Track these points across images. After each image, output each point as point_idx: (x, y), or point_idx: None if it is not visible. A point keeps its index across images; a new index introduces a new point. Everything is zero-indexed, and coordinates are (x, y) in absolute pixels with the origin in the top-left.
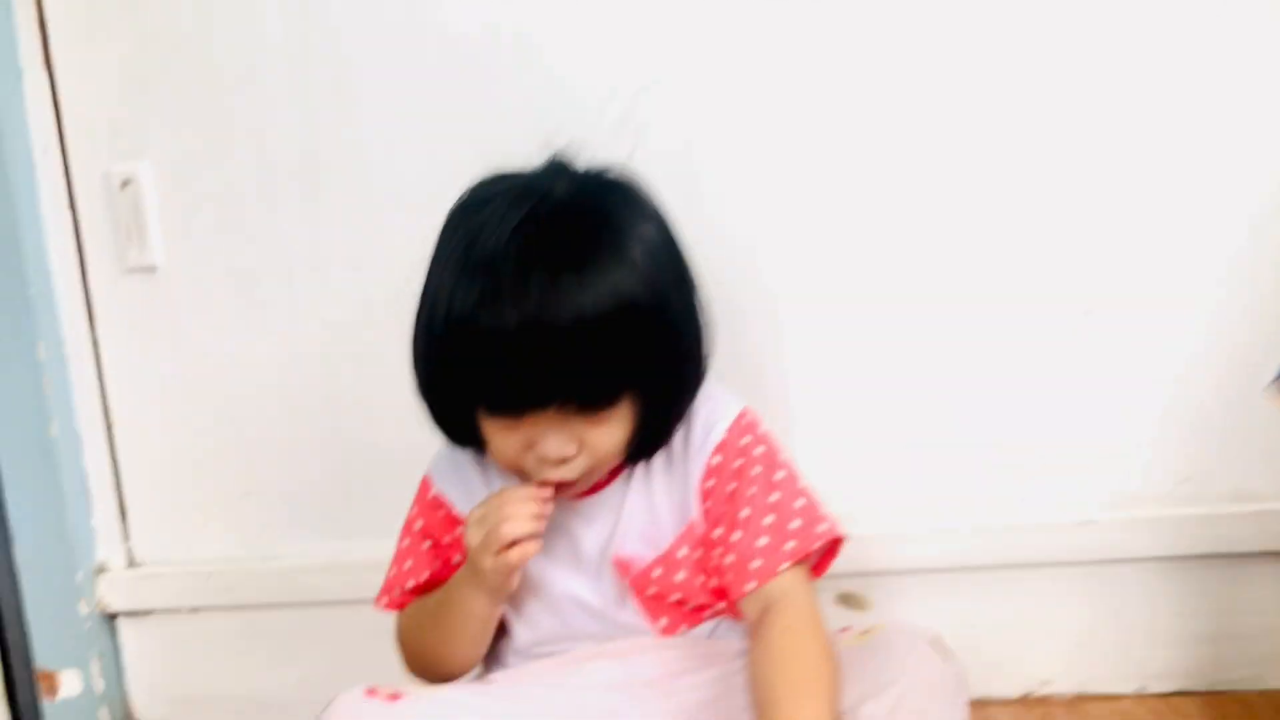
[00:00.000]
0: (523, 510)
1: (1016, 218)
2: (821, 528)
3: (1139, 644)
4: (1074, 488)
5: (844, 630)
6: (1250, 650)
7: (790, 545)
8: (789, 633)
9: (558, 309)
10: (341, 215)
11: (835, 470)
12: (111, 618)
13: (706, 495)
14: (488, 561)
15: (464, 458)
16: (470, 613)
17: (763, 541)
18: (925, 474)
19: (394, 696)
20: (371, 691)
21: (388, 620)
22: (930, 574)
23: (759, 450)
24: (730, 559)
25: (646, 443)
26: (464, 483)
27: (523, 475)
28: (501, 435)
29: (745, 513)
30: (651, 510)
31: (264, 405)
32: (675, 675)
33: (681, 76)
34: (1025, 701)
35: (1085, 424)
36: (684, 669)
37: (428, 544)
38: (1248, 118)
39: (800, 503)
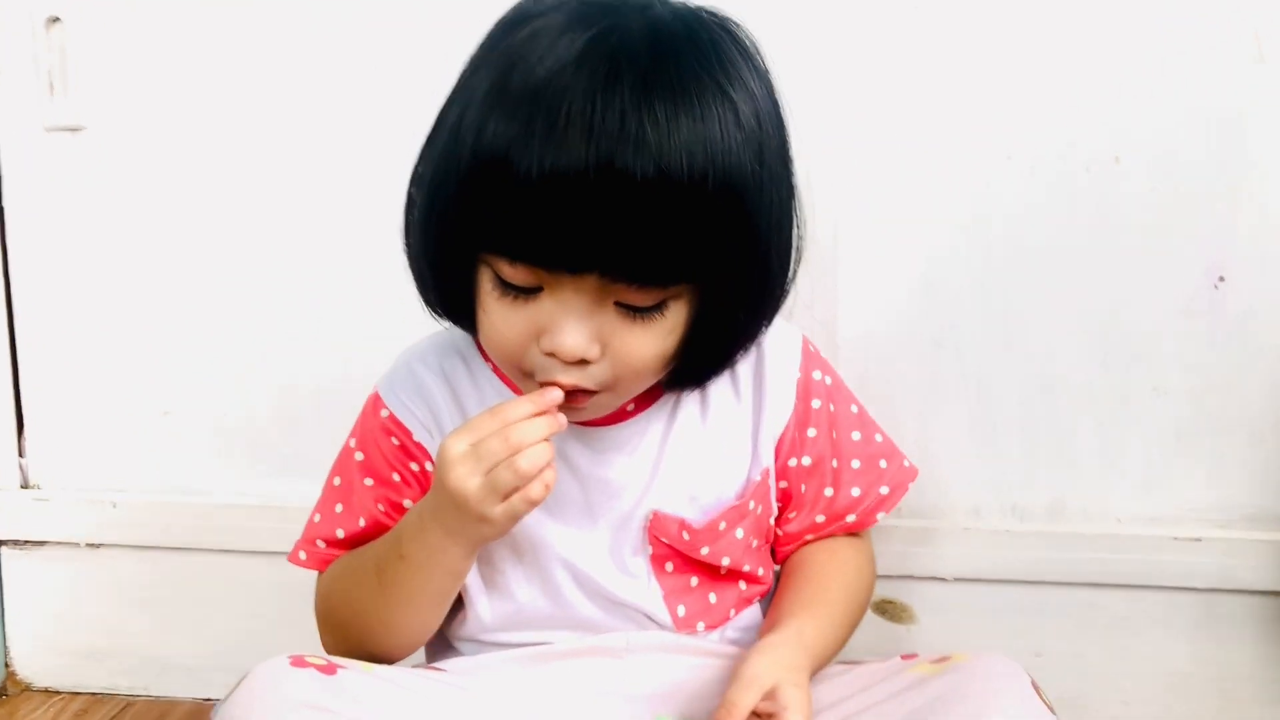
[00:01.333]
0: (535, 431)
1: (1120, 163)
2: (906, 464)
3: (1245, 695)
4: (1180, 497)
5: (908, 657)
6: None
7: (884, 490)
8: (846, 568)
9: (638, 151)
10: (310, 82)
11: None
12: None
13: (786, 444)
14: (495, 508)
15: (425, 370)
16: (438, 567)
17: (855, 491)
18: (997, 466)
19: (327, 668)
20: (299, 661)
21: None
22: (991, 585)
23: (829, 382)
24: (819, 518)
25: (700, 364)
26: (427, 403)
27: (519, 376)
28: (508, 311)
29: (833, 463)
30: (706, 455)
31: (196, 308)
32: (688, 693)
33: None
34: None
35: (1198, 420)
36: (701, 688)
37: (369, 482)
38: None
39: (879, 438)
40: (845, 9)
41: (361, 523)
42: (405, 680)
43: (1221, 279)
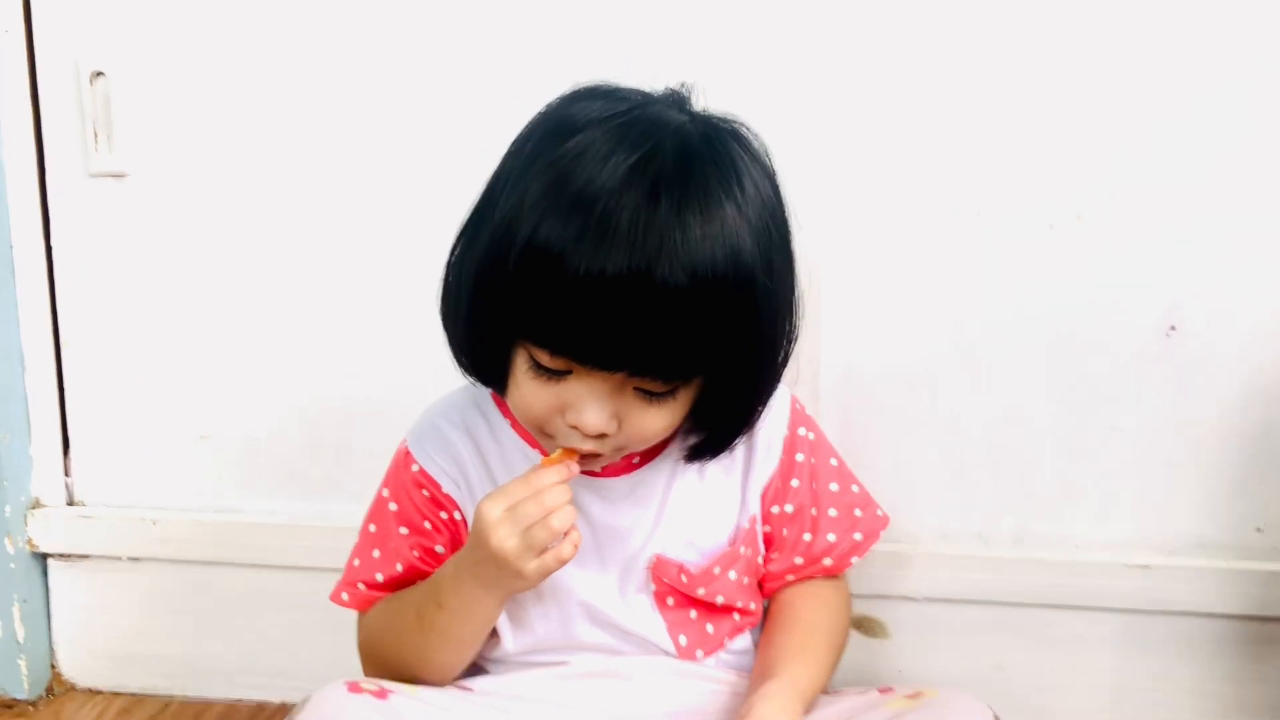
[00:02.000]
0: (563, 495)
1: (1082, 221)
2: (879, 512)
3: (1185, 710)
4: (1130, 526)
5: (885, 691)
6: None
7: (857, 537)
8: (830, 611)
9: (672, 263)
10: (340, 126)
11: (868, 477)
12: (42, 559)
13: (770, 493)
14: (531, 564)
15: (450, 427)
16: (474, 616)
17: (831, 537)
18: (968, 496)
19: (379, 694)
20: (354, 687)
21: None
22: (958, 605)
23: (812, 437)
24: (798, 560)
25: (715, 439)
26: (453, 458)
27: (539, 435)
28: (538, 387)
29: (812, 511)
30: (702, 504)
31: (233, 339)
32: (690, 715)
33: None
34: None
35: (1152, 454)
36: (701, 710)
37: (404, 530)
38: None
39: (855, 488)
40: (821, 74)
41: (399, 568)
42: (448, 703)
43: (1173, 328)
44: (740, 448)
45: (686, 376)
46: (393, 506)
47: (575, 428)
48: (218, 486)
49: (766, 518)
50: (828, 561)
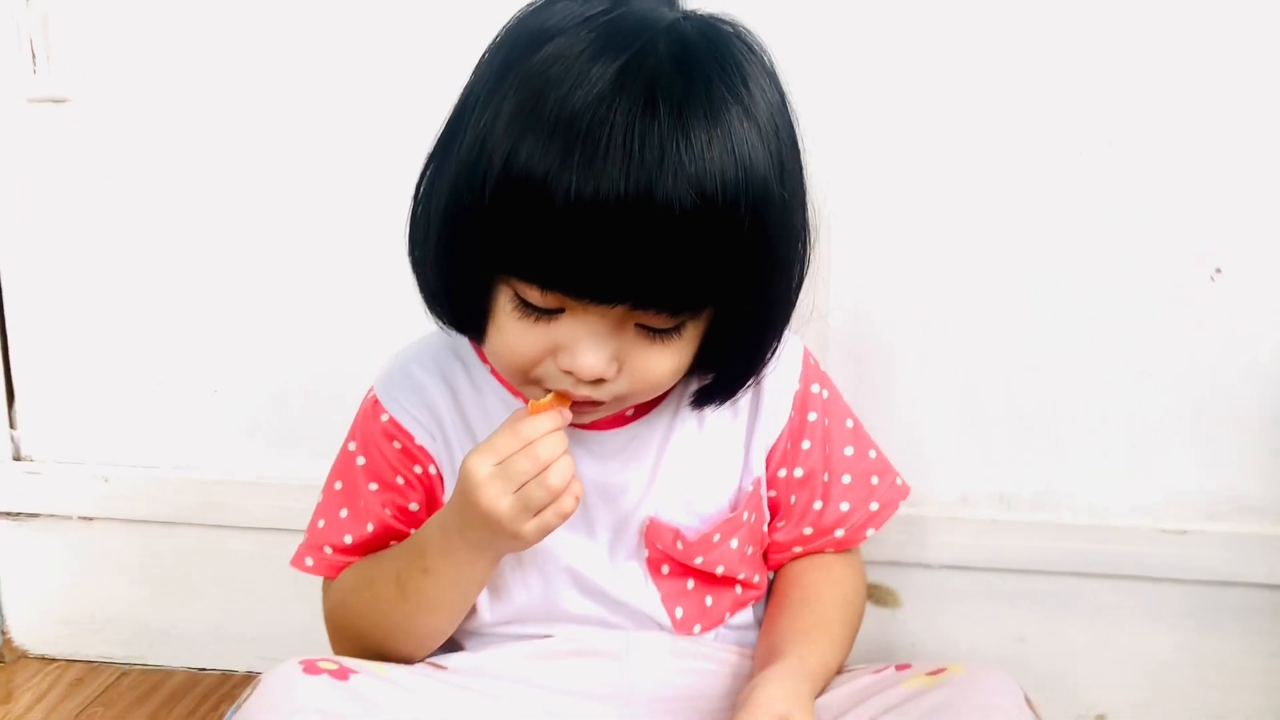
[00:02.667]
0: (559, 446)
1: (1114, 146)
2: (898, 481)
3: (1221, 684)
4: (1165, 487)
5: (902, 668)
6: None
7: (873, 506)
8: (841, 587)
9: (676, 179)
10: (307, 45)
11: (878, 432)
12: None
13: (778, 454)
14: (527, 525)
15: (423, 373)
16: (464, 580)
17: (844, 506)
18: (988, 453)
19: (339, 673)
20: (311, 666)
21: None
22: (978, 573)
23: (826, 395)
24: (806, 530)
25: (727, 380)
26: (427, 406)
27: (522, 383)
28: (524, 329)
29: (824, 477)
30: (701, 463)
31: (189, 277)
32: (687, 698)
33: None
34: None
35: (1189, 409)
36: (699, 693)
37: (374, 486)
38: None
39: (872, 454)
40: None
41: (369, 529)
42: (415, 683)
43: (1219, 270)
44: (745, 402)
45: (696, 308)
46: (360, 460)
47: (569, 372)
48: (175, 440)
49: (772, 482)
50: (839, 533)
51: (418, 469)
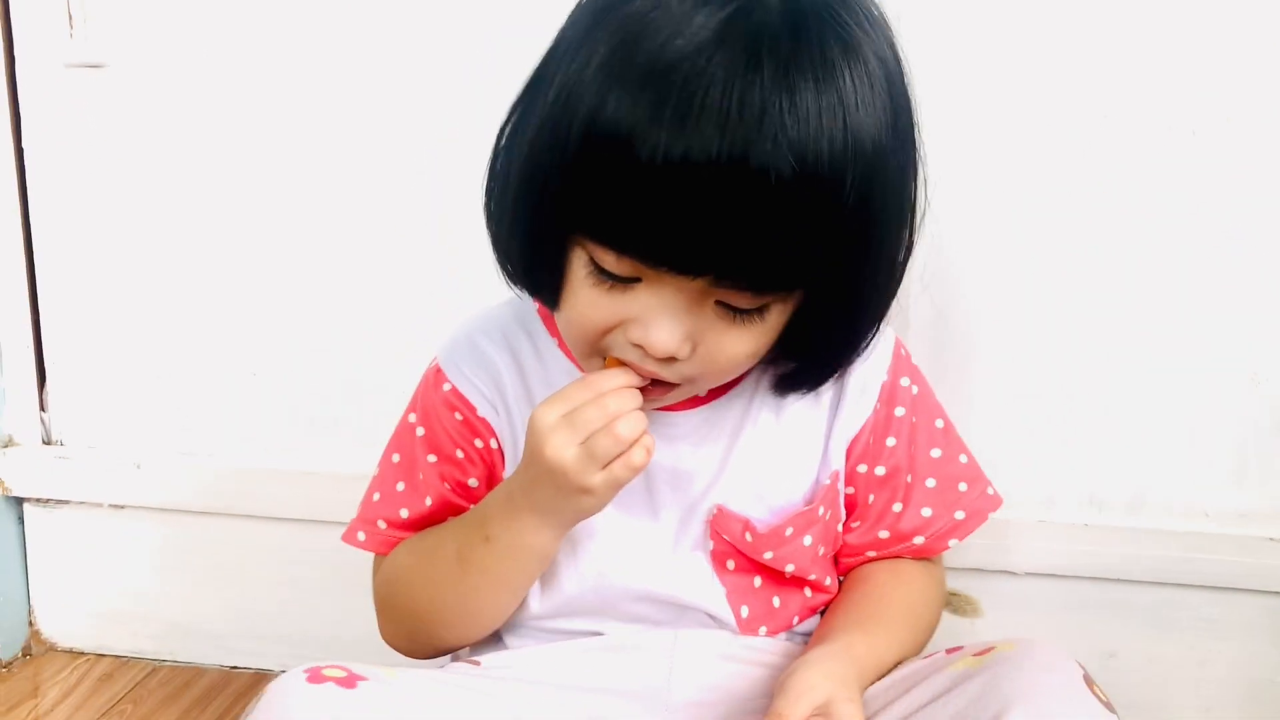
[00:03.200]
0: (631, 400)
1: (1232, 123)
2: (989, 491)
3: None
4: (1271, 492)
5: (952, 651)
6: None
7: (959, 515)
8: (912, 588)
9: (776, 143)
10: (350, 14)
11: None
12: (17, 504)
13: (859, 448)
14: (595, 476)
15: (488, 343)
16: (528, 551)
17: (926, 512)
18: (1078, 455)
19: (347, 681)
20: (316, 675)
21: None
22: (1066, 581)
23: (916, 391)
24: (883, 534)
25: (810, 370)
26: (491, 378)
27: (588, 355)
28: (597, 296)
29: (907, 478)
30: (776, 453)
31: (227, 255)
32: (731, 700)
33: None
34: None
35: None
36: (746, 694)
37: (433, 458)
38: None
39: (963, 459)
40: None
41: (427, 502)
42: (430, 688)
43: None
44: (828, 389)
45: (783, 288)
46: (420, 432)
47: (639, 346)
48: (210, 426)
49: (851, 478)
50: (918, 540)
51: (479, 442)
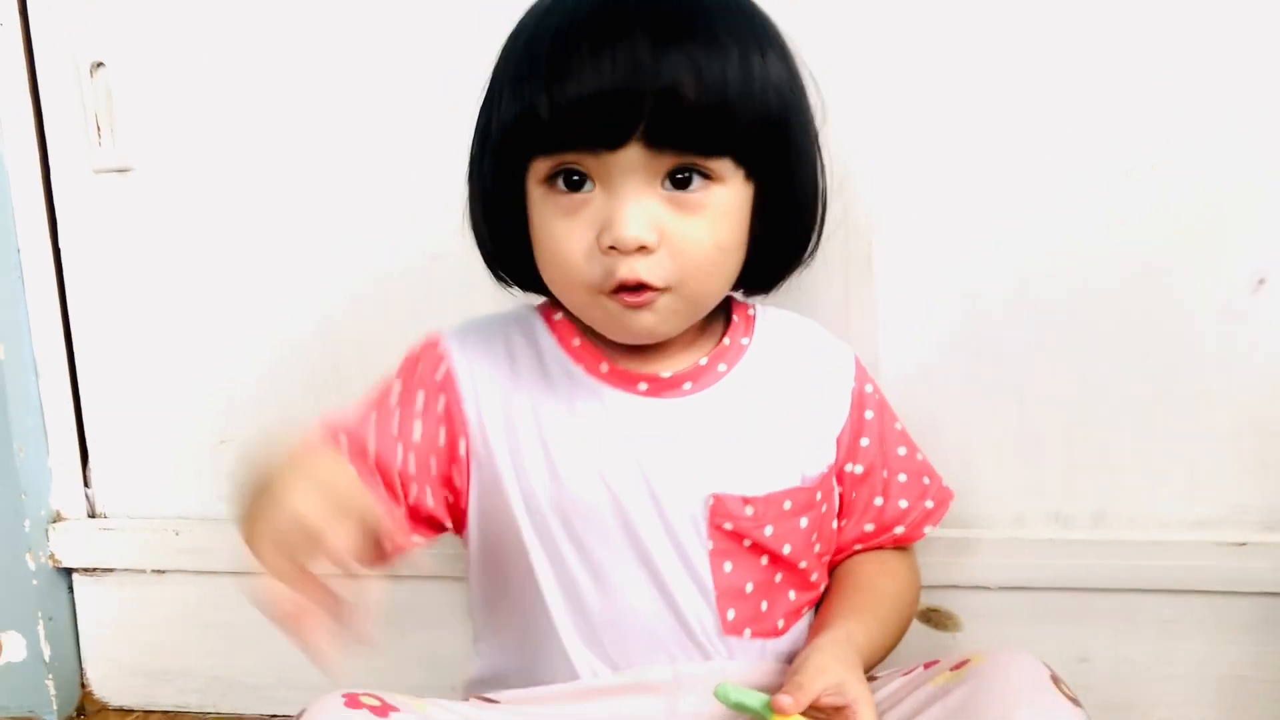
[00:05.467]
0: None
1: (1158, 169)
2: (944, 483)
3: None
4: (1222, 501)
5: (929, 665)
6: None
7: (929, 504)
8: (898, 579)
9: (671, 32)
10: (347, 115)
11: (932, 453)
12: (66, 574)
13: (843, 447)
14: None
15: (497, 332)
16: None
17: (903, 504)
18: (1042, 473)
19: (380, 710)
20: (353, 701)
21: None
22: (1037, 593)
23: (877, 396)
24: (868, 526)
25: (765, 262)
26: (491, 362)
27: (587, 298)
28: (563, 221)
29: (883, 474)
30: (767, 441)
31: (250, 337)
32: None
33: None
34: None
35: (1243, 421)
36: None
37: (398, 413)
38: None
39: (919, 456)
40: (883, 24)
41: (371, 446)
42: (459, 714)
43: (1262, 281)
44: (813, 391)
45: (709, 145)
46: (397, 386)
47: (614, 248)
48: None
49: (838, 477)
50: (899, 530)
51: (442, 403)
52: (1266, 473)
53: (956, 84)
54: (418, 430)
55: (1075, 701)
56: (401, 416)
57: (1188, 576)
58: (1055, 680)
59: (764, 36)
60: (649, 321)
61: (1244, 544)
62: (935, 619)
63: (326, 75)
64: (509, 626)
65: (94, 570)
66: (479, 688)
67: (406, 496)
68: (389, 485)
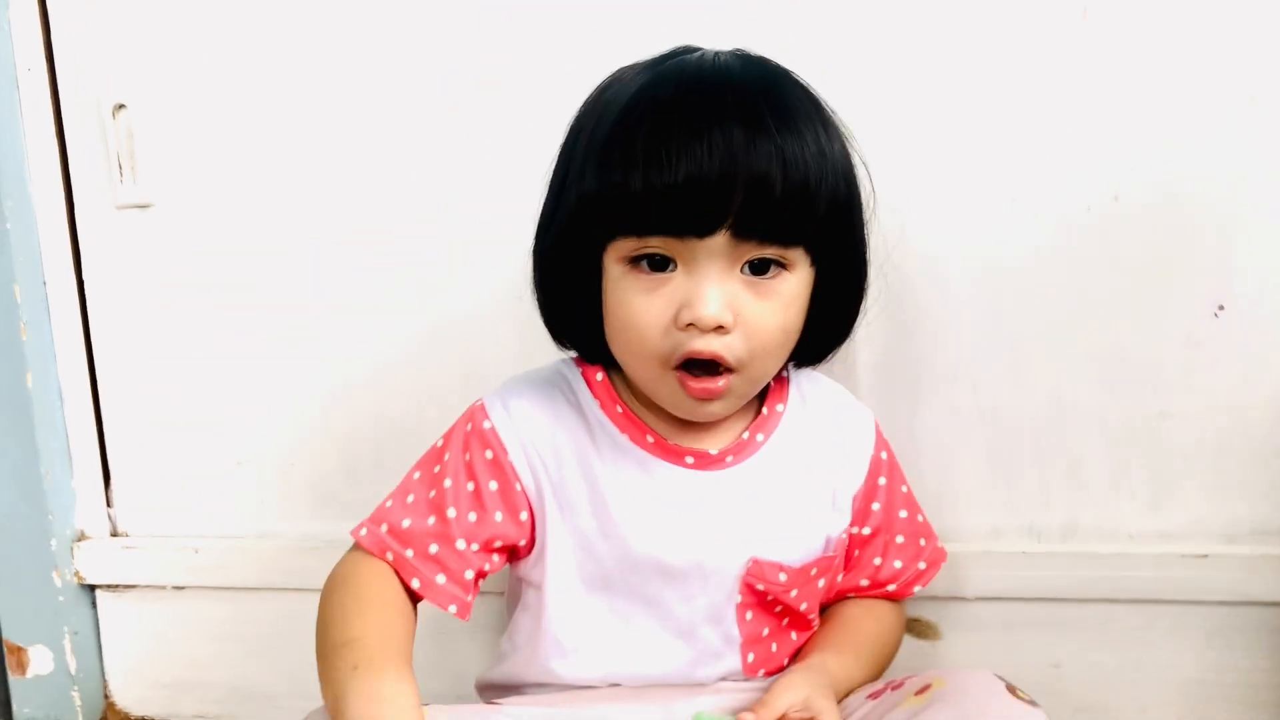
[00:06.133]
0: None
1: (1120, 201)
2: (939, 544)
3: (1251, 702)
4: (1186, 514)
5: (896, 687)
6: None
7: (921, 566)
8: (881, 623)
9: (758, 120)
10: (357, 148)
11: (909, 476)
12: (90, 590)
13: (855, 509)
14: None
15: (536, 394)
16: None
17: (897, 564)
18: (1016, 490)
19: None
20: None
21: None
22: (1012, 603)
23: (890, 462)
24: (863, 582)
25: (820, 339)
26: (531, 428)
27: (655, 368)
28: (642, 293)
29: (886, 537)
30: (794, 507)
31: (265, 363)
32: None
33: None
34: None
35: (1205, 438)
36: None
37: (449, 483)
38: None
39: (920, 518)
40: (850, 62)
41: (430, 521)
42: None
43: (1221, 308)
44: (832, 459)
45: (790, 237)
46: (447, 456)
47: (692, 325)
48: (257, 511)
49: (848, 535)
50: (891, 588)
51: (493, 485)
52: (1226, 488)
53: (924, 122)
54: (477, 506)
55: (1032, 703)
56: (457, 498)
57: (1154, 586)
58: (1011, 689)
59: (825, 118)
60: (717, 410)
61: (1205, 555)
62: (916, 628)
63: (337, 110)
64: (532, 652)
65: (116, 587)
66: (491, 692)
67: (475, 570)
68: (453, 575)
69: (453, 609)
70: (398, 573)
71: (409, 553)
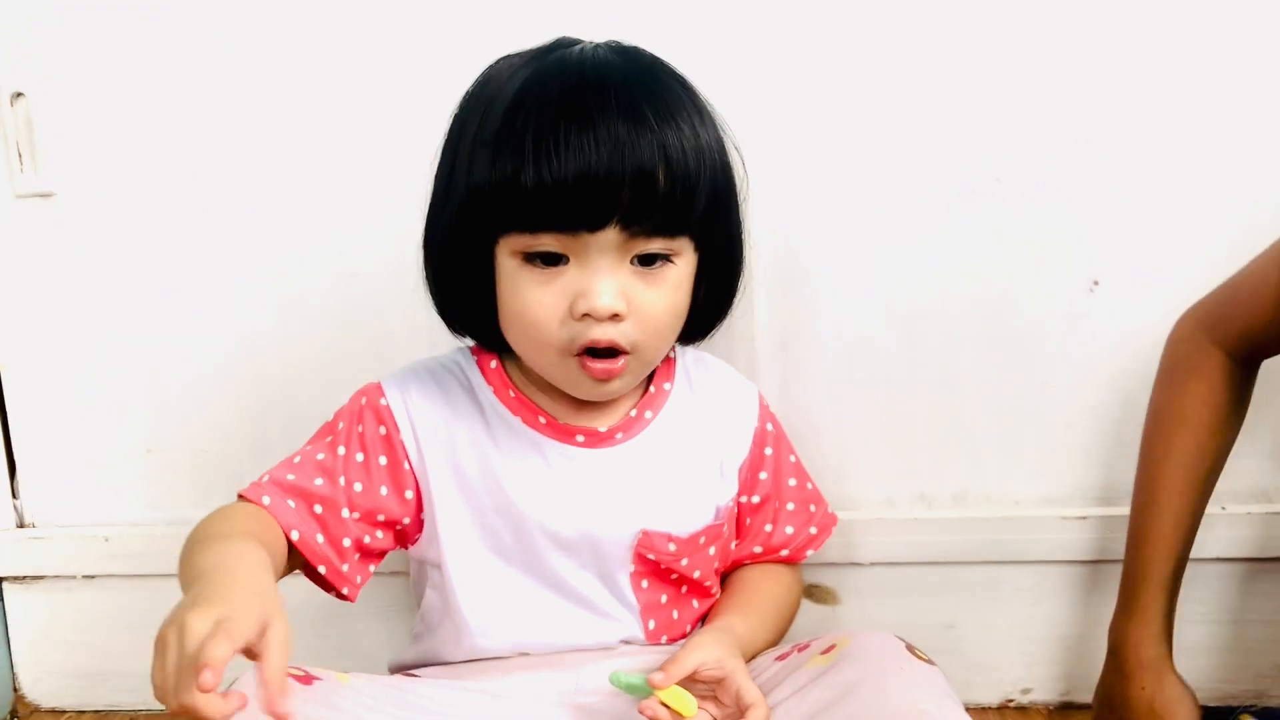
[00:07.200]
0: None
1: (1001, 183)
2: (829, 510)
3: None
4: (1068, 479)
5: (802, 649)
6: (1255, 664)
7: (812, 530)
8: (780, 585)
9: (640, 116)
10: (266, 139)
11: (807, 448)
12: None
13: (742, 480)
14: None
15: (436, 379)
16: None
17: (789, 530)
18: (906, 459)
19: (304, 679)
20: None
21: (313, 601)
22: (906, 568)
23: (775, 433)
24: (757, 549)
25: (703, 320)
26: (433, 410)
27: (553, 357)
28: (537, 284)
29: (775, 504)
30: (684, 483)
31: (172, 349)
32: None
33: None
34: (1005, 710)
35: (1085, 409)
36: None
37: (342, 450)
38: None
39: (809, 485)
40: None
41: (318, 481)
42: (377, 690)
43: (1096, 283)
44: (717, 433)
45: (675, 229)
46: (340, 425)
47: (588, 315)
48: (169, 499)
49: (737, 504)
50: (784, 553)
51: (383, 460)
52: (1103, 453)
53: (808, 113)
54: (364, 477)
55: (929, 661)
56: (347, 466)
57: (1040, 548)
58: (910, 649)
59: (700, 106)
60: (615, 388)
61: (1084, 517)
62: (816, 594)
63: (235, 95)
64: (444, 631)
65: (24, 578)
66: (405, 669)
67: (354, 540)
68: (332, 538)
69: (322, 569)
70: (276, 519)
71: (290, 503)
